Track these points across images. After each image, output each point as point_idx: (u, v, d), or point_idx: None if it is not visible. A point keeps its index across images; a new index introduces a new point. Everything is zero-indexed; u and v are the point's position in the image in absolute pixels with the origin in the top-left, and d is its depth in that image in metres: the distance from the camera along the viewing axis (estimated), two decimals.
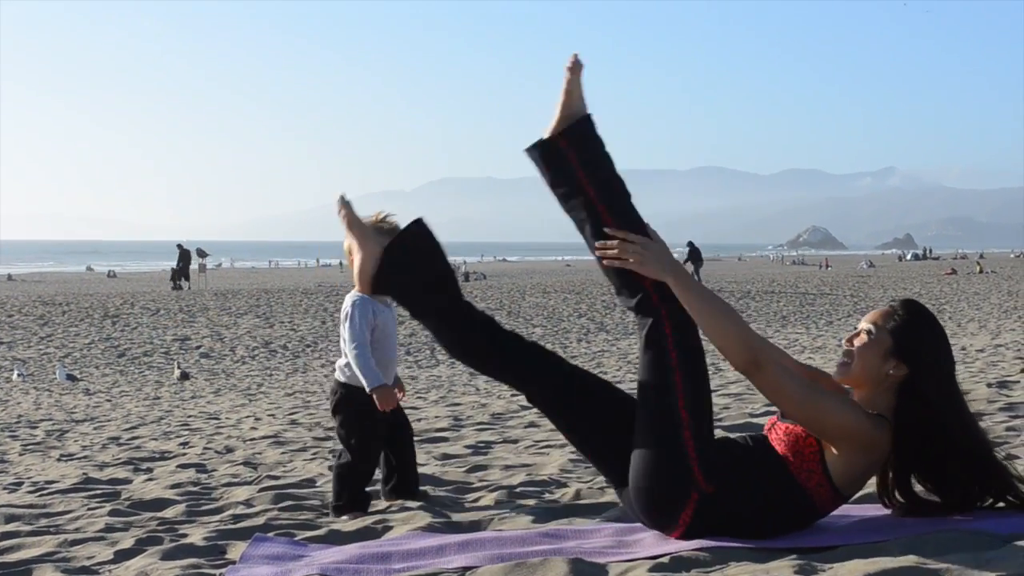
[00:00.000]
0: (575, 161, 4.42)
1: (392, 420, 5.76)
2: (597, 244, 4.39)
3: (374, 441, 5.72)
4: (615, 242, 4.36)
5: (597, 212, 4.42)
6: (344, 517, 5.54)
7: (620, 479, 4.42)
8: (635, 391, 4.45)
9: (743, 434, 4.73)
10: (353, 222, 4.82)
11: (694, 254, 45.70)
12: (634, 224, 4.41)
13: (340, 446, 5.80)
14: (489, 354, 4.60)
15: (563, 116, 4.45)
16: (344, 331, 5.69)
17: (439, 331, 4.69)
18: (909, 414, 4.30)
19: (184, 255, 51.05)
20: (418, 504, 5.65)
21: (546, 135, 4.46)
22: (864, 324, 4.45)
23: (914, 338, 4.34)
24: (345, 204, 4.84)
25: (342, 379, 5.81)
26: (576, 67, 4.44)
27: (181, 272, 50.59)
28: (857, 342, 4.42)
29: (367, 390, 5.54)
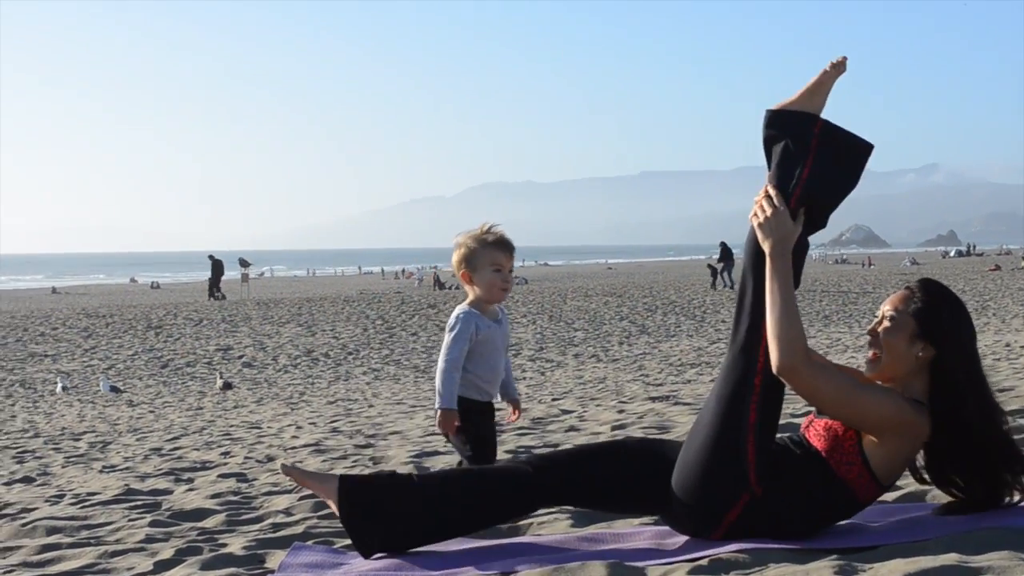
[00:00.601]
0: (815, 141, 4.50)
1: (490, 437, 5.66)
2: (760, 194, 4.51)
3: (488, 450, 5.58)
4: (761, 195, 4.46)
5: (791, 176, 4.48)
6: None
7: (663, 500, 4.47)
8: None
9: (784, 435, 4.71)
10: (304, 479, 4.81)
11: (726, 253, 45.36)
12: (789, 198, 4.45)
13: (459, 457, 5.72)
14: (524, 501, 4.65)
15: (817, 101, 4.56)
16: (445, 343, 5.63)
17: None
18: (943, 395, 4.28)
19: (216, 266, 51.28)
20: None
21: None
22: (885, 309, 4.43)
23: (936, 317, 4.32)
24: (287, 470, 4.80)
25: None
26: (840, 67, 4.56)
27: (215, 283, 50.87)
28: (881, 330, 4.39)
29: (436, 405, 5.47)
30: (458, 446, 5.40)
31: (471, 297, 5.40)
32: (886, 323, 4.39)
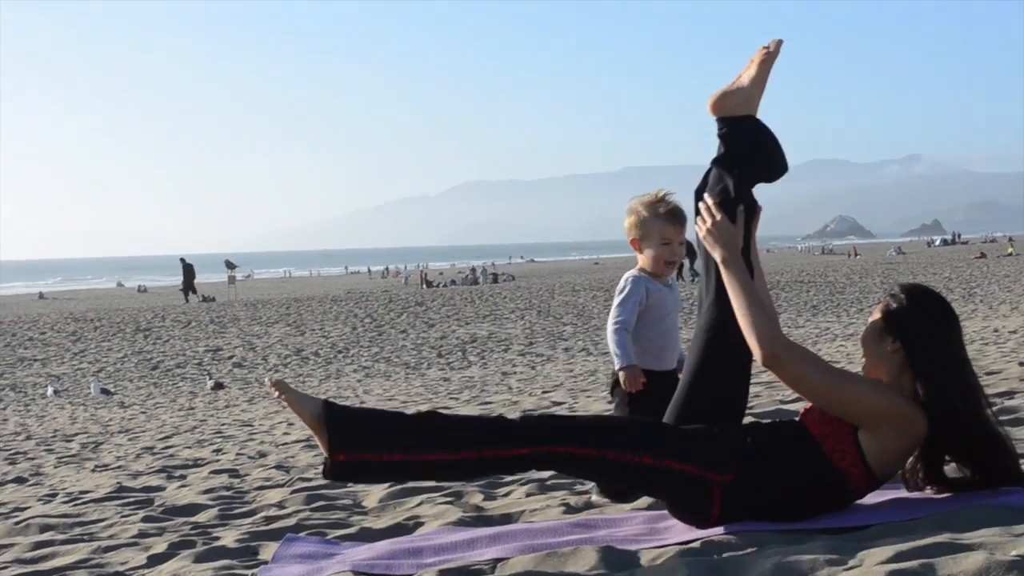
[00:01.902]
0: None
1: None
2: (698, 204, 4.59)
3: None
4: (702, 205, 4.55)
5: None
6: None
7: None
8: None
9: (781, 419, 4.76)
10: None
11: (688, 249, 45.14)
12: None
13: None
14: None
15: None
16: (613, 306, 5.48)
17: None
18: (924, 390, 4.28)
19: (187, 269, 51.37)
20: (448, 500, 5.65)
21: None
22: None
23: (902, 313, 4.35)
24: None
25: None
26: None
27: (187, 286, 50.97)
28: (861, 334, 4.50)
29: (616, 366, 5.31)
30: (622, 408, 5.32)
31: (639, 264, 5.40)
32: (865, 326, 4.49)
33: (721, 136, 4.65)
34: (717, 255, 4.46)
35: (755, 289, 4.41)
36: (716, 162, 4.64)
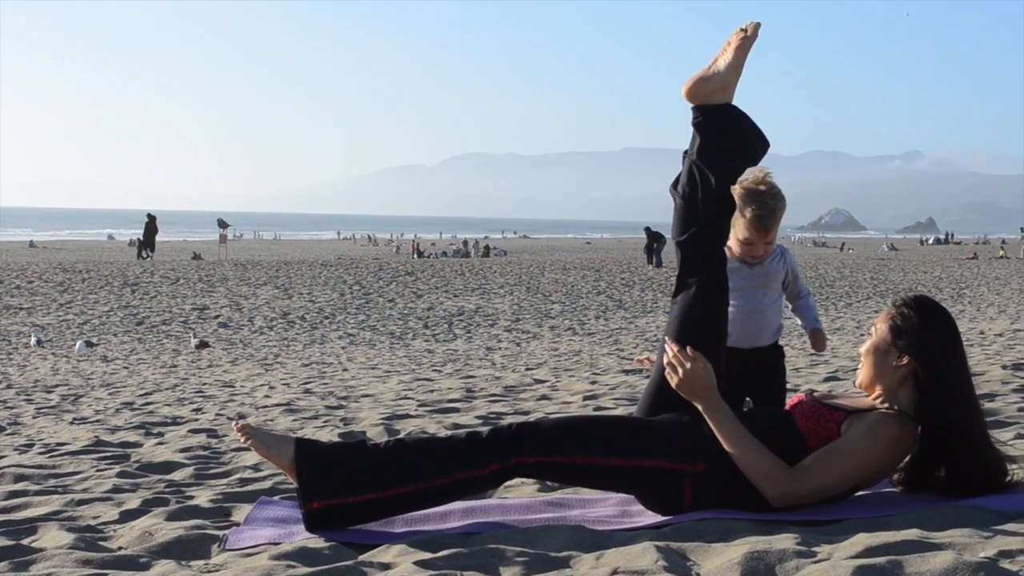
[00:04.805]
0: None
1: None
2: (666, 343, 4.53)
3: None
4: (670, 353, 4.44)
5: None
6: None
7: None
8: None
9: (764, 407, 4.75)
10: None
11: (655, 237, 45.04)
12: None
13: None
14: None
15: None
16: None
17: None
18: (925, 403, 4.27)
19: (150, 225, 50.97)
20: None
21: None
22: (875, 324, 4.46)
23: (909, 326, 4.30)
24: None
25: None
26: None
27: (147, 242, 50.56)
28: (865, 343, 4.45)
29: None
30: None
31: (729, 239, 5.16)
32: (866, 337, 4.44)
33: (696, 125, 4.57)
34: (696, 402, 4.36)
35: (742, 429, 4.30)
36: (696, 155, 4.55)
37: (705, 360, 4.37)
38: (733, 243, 5.08)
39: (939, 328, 4.32)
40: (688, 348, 4.40)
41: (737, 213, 4.89)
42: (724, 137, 4.54)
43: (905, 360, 4.29)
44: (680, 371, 4.36)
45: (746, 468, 4.23)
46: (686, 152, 4.63)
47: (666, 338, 4.52)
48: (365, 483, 4.28)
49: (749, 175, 4.94)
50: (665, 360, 4.44)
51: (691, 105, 4.59)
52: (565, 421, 4.49)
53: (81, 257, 51.26)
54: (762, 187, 4.96)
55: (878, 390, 4.39)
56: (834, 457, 4.23)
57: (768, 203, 4.98)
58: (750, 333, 5.17)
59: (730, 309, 4.90)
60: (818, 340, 5.41)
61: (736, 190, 4.87)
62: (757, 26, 4.60)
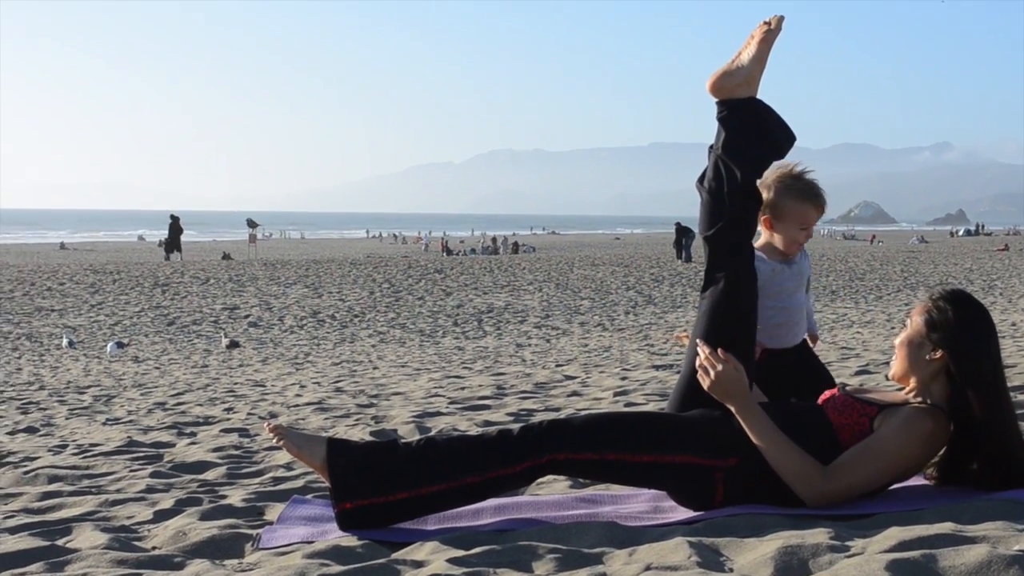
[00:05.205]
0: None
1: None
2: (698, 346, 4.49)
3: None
4: (702, 355, 4.41)
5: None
6: None
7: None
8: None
9: (795, 402, 4.73)
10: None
11: (684, 232, 44.95)
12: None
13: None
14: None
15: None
16: None
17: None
18: (958, 397, 4.24)
19: (174, 226, 51.27)
20: None
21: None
22: (911, 316, 4.42)
23: (944, 319, 4.26)
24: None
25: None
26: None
27: (172, 243, 50.85)
28: (896, 339, 4.43)
29: None
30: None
31: (763, 240, 5.15)
32: (903, 328, 4.41)
33: (721, 120, 4.56)
34: (729, 405, 4.34)
35: (775, 430, 4.28)
36: (721, 150, 4.53)
37: (737, 362, 4.36)
38: (783, 243, 5.09)
39: (974, 322, 4.28)
40: (719, 350, 4.39)
41: (787, 205, 4.97)
42: (749, 131, 4.52)
43: (939, 354, 4.26)
44: (712, 373, 4.34)
45: (780, 469, 4.21)
46: (711, 147, 4.63)
47: (697, 340, 4.51)
48: (397, 482, 4.29)
49: (783, 168, 4.99)
50: (697, 363, 4.42)
51: (715, 100, 4.60)
52: (595, 418, 4.48)
53: (112, 258, 51.51)
54: (797, 170, 5.05)
55: (912, 383, 4.37)
56: (868, 454, 4.20)
57: (812, 178, 5.04)
58: (797, 333, 5.22)
59: (780, 311, 5.01)
60: (814, 340, 5.47)
61: (772, 185, 4.94)
62: (781, 19, 4.58)
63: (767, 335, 5.06)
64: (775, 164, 4.85)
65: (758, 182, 4.65)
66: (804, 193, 5.06)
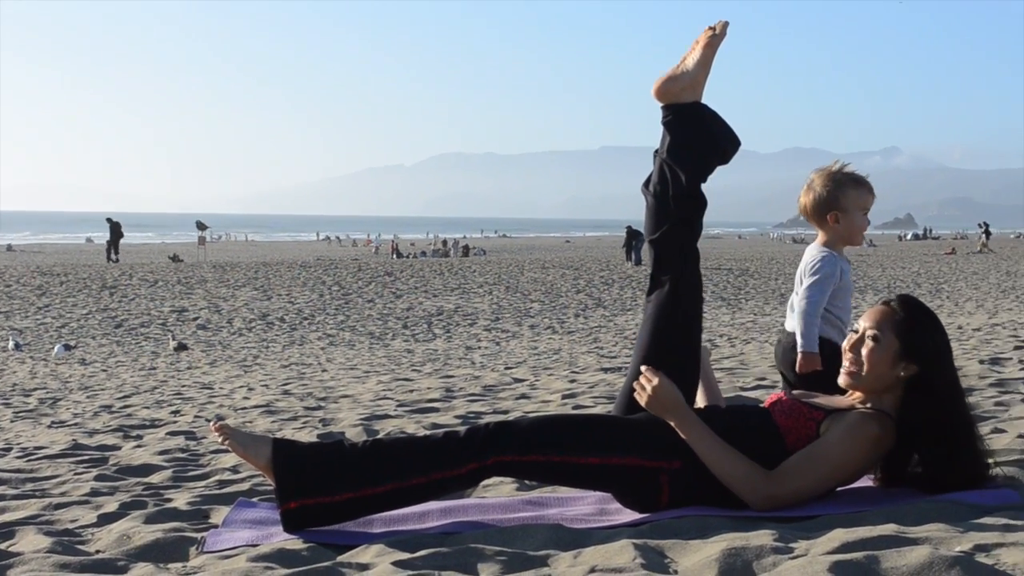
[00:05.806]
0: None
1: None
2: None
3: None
4: (643, 374, 4.43)
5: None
6: None
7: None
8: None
9: (742, 404, 4.74)
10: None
11: (633, 235, 45.12)
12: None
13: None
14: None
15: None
16: (804, 282, 5.30)
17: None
18: (915, 408, 4.25)
19: (114, 228, 51.19)
20: None
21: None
22: (865, 325, 4.38)
23: (920, 336, 4.27)
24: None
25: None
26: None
27: (112, 246, 50.79)
28: (864, 349, 4.34)
29: (799, 348, 5.19)
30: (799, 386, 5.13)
31: (827, 238, 5.28)
32: (870, 342, 4.33)
33: (666, 124, 4.59)
34: (668, 420, 4.34)
35: (716, 440, 4.28)
36: (666, 154, 4.56)
37: (668, 380, 4.36)
38: (851, 234, 5.28)
39: (943, 336, 4.33)
40: (649, 368, 4.41)
41: (848, 196, 5.16)
42: (694, 135, 4.55)
43: (913, 369, 4.27)
44: (649, 388, 4.36)
45: (724, 477, 4.22)
46: (656, 151, 4.65)
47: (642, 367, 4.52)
48: (342, 482, 4.27)
49: (826, 168, 5.28)
50: (635, 382, 4.45)
51: (661, 104, 4.62)
52: (542, 420, 4.48)
53: (59, 260, 51.13)
54: (843, 166, 5.33)
55: (862, 392, 4.38)
56: (813, 459, 4.21)
57: (851, 168, 5.30)
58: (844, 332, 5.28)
59: (847, 307, 5.23)
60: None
61: (827, 184, 5.19)
62: (725, 25, 4.63)
63: (838, 330, 5.25)
64: (817, 167, 5.15)
65: (808, 183, 5.04)
66: (859, 181, 5.28)
